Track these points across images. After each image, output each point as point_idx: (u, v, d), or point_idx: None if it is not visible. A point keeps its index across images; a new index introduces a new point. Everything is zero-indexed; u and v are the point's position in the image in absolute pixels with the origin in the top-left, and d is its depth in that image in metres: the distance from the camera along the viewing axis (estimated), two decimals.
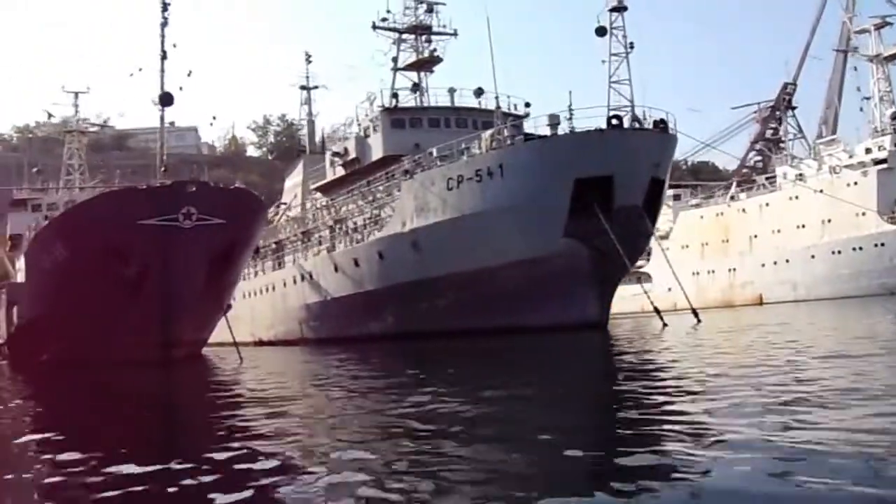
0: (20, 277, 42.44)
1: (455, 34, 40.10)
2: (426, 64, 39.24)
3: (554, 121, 27.05)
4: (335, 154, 38.09)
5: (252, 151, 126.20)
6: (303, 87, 51.87)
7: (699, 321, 26.40)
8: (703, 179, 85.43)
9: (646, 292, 28.14)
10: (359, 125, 37.39)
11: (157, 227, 22.27)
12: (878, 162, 49.03)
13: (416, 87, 37.85)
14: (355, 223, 36.29)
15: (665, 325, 25.37)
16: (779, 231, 54.78)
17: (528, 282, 27.47)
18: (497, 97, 30.42)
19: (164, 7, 25.38)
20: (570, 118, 27.63)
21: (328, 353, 23.57)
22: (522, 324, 26.62)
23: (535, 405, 8.00)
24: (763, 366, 9.73)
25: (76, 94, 48.22)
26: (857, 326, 18.55)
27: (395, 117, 35.55)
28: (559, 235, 26.99)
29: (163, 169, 25.59)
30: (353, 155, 36.93)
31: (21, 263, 42.95)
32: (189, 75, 26.74)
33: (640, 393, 8.07)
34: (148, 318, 23.24)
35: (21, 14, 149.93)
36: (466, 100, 37.59)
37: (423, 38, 39.57)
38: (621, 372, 11.52)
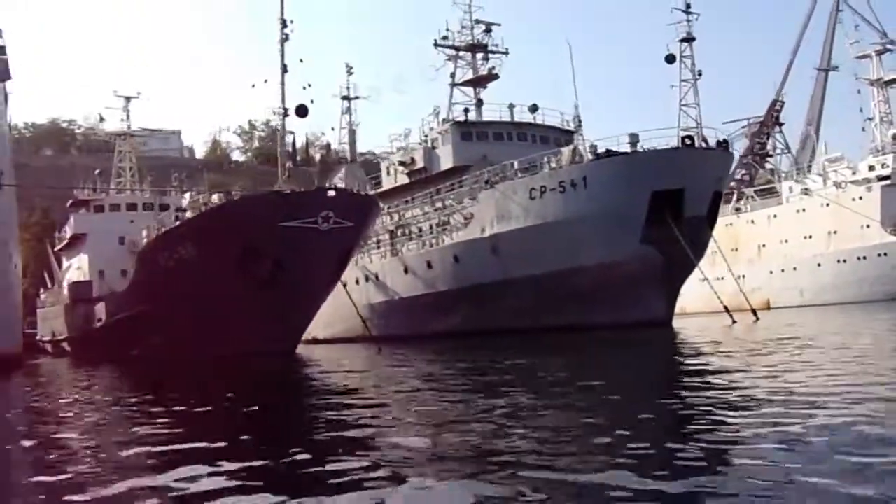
0: (76, 276, 44.10)
1: (507, 52, 42.98)
2: (484, 80, 42.04)
3: (634, 139, 30.01)
4: (401, 163, 40.58)
5: (237, 156, 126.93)
6: (344, 98, 54.06)
7: (757, 319, 29.72)
8: None
9: (715, 292, 31.17)
10: (425, 136, 39.98)
11: (297, 228, 24.59)
12: (881, 178, 53.04)
13: (480, 103, 40.60)
14: (420, 228, 38.84)
15: (734, 321, 28.62)
16: (786, 241, 58.51)
17: (604, 283, 30.29)
18: (580, 118, 33.09)
19: (284, 24, 27.80)
20: (635, 142, 30.62)
21: (420, 349, 24.77)
22: (592, 322, 29.36)
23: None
24: None
25: (127, 98, 50.04)
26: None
27: (465, 130, 38.29)
28: (637, 242, 29.92)
29: (286, 176, 27.86)
30: (420, 164, 39.52)
31: (78, 261, 44.63)
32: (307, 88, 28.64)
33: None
34: (278, 312, 25.49)
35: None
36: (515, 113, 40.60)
37: (480, 55, 42.31)
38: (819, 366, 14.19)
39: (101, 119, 53.95)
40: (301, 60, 27.39)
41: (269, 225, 24.39)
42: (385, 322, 40.15)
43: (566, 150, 31.61)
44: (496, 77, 41.91)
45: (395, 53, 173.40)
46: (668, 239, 29.63)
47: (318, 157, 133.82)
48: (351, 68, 54.48)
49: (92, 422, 9.36)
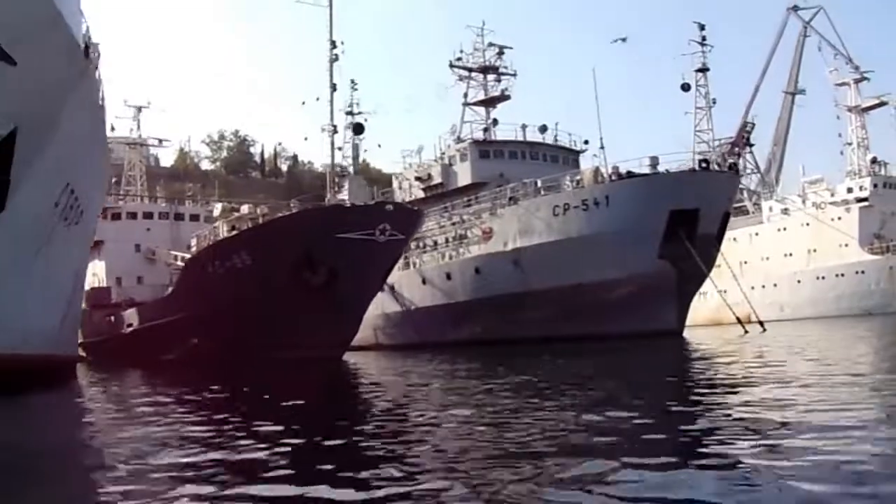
0: (93, 282, 44.69)
1: (515, 74, 45.02)
2: (496, 101, 43.99)
3: (654, 162, 32.15)
4: (417, 178, 42.24)
5: (206, 165, 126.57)
6: (348, 113, 55.45)
7: (764, 330, 32.00)
8: None
9: (729, 306, 33.40)
10: (442, 154, 41.75)
11: (356, 240, 26.04)
12: (860, 200, 56.27)
13: (495, 122, 42.50)
14: (435, 241, 40.48)
15: (746, 331, 30.85)
16: (767, 258, 61.42)
17: (622, 295, 32.30)
18: (602, 141, 35.15)
19: (333, 45, 29.41)
20: (655, 164, 32.83)
21: (440, 358, 24.39)
22: (607, 331, 31.25)
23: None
24: None
25: (139, 108, 50.94)
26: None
27: (483, 149, 40.20)
28: (654, 257, 31.98)
29: (335, 189, 29.34)
30: (437, 180, 41.23)
31: (94, 267, 45.21)
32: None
33: None
34: (329, 318, 26.87)
35: None
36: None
37: (492, 77, 44.27)
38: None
39: (112, 128, 54.46)
40: (353, 81, 29.10)
41: (327, 235, 25.74)
42: (399, 331, 41.67)
43: (588, 171, 33.65)
44: (508, 98, 43.91)
45: (405, 73, 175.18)
46: (683, 255, 31.77)
47: (284, 167, 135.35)
48: (355, 84, 56.14)
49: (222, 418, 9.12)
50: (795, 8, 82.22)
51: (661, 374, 14.42)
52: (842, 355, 15.36)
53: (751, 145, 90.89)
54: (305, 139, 71.41)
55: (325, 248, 26.25)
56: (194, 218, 46.04)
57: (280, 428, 7.50)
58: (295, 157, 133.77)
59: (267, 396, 12.87)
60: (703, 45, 33.78)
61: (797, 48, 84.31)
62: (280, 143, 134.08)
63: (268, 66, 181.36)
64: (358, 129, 27.98)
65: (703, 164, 32.46)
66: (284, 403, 10.69)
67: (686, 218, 31.68)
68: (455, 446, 5.92)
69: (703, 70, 33.91)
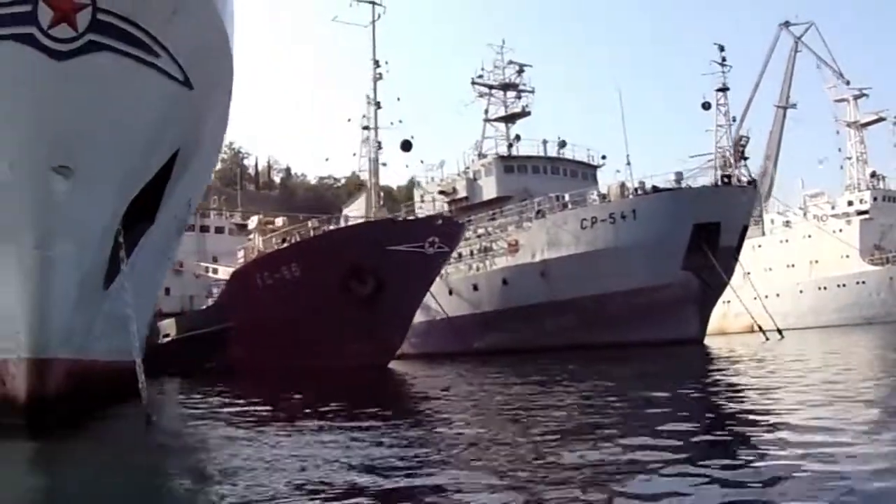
0: None
1: (533, 91, 46.62)
2: (517, 117, 45.53)
3: (679, 177, 33.75)
4: (441, 192, 43.63)
5: None
6: (365, 128, 56.84)
7: (782, 337, 33.67)
8: None
9: (751, 315, 35.00)
10: (467, 168, 43.21)
11: (405, 252, 27.30)
12: (860, 212, 58.25)
13: (518, 138, 44.06)
14: (459, 253, 41.77)
15: (767, 339, 32.48)
16: (770, 269, 63.17)
17: (647, 304, 33.72)
18: (629, 157, 36.59)
19: (376, 64, 30.85)
20: (679, 179, 34.45)
21: (477, 365, 27.11)
22: (629, 339, 32.65)
23: None
24: None
25: None
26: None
27: (507, 164, 41.73)
28: (678, 268, 33.49)
29: (381, 203, 30.64)
30: (462, 194, 42.66)
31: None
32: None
33: None
34: (378, 328, 28.04)
35: None
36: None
37: (512, 94, 45.86)
38: None
39: None
40: (398, 98, 30.55)
41: (377, 248, 26.95)
42: (423, 340, 42.83)
43: (614, 186, 35.17)
44: (528, 114, 45.48)
45: (422, 89, 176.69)
46: (705, 266, 33.32)
47: (278, 179, 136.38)
48: (374, 100, 57.60)
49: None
50: (787, 24, 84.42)
51: (750, 382, 13.23)
52: None
53: (745, 159, 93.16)
54: (327, 160, 72.65)
55: (375, 260, 27.42)
56: (219, 230, 47.12)
57: (420, 432, 8.12)
58: (288, 170, 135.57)
59: (345, 404, 12.89)
60: (722, 65, 35.56)
61: (789, 63, 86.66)
62: (271, 156, 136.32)
63: (263, 77, 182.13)
64: (406, 146, 29.32)
65: (725, 180, 34.05)
66: (383, 410, 11.26)
67: (709, 231, 33.25)
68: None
69: (723, 90, 35.62)
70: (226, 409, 13.39)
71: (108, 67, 9.25)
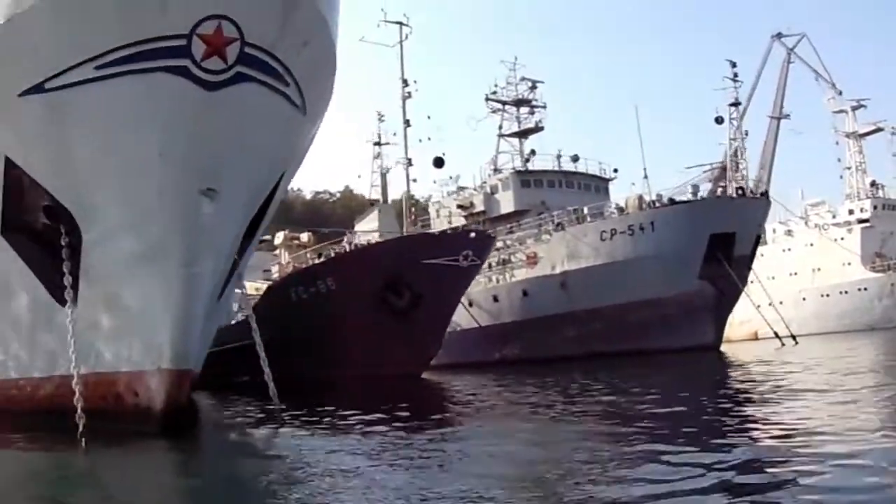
0: None
1: (545, 106, 47.97)
2: (530, 132, 46.85)
3: (695, 189, 35.10)
4: (459, 206, 44.79)
5: None
6: (376, 143, 58.07)
7: (796, 343, 34.89)
8: None
9: (767, 321, 36.28)
10: (484, 183, 44.46)
11: (441, 265, 28.39)
12: (861, 221, 59.82)
13: (533, 153, 45.29)
14: None
15: (783, 344, 33.69)
16: (773, 278, 64.48)
17: (665, 313, 34.92)
18: (646, 171, 38.19)
19: (405, 83, 32.08)
20: (696, 191, 35.80)
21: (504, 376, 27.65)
22: (646, 347, 33.72)
23: None
24: None
25: None
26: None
27: (524, 178, 42.99)
28: (695, 278, 34.74)
29: (412, 219, 31.80)
30: (479, 208, 43.87)
31: None
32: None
33: None
34: (415, 339, 29.00)
35: None
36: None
37: (525, 109, 47.18)
38: None
39: None
40: (429, 117, 31.75)
41: (414, 261, 28.02)
42: (445, 351, 43.82)
43: (632, 198, 36.44)
44: (542, 129, 46.80)
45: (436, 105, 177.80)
46: (721, 275, 34.60)
47: None
48: (382, 116, 58.84)
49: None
50: (779, 35, 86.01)
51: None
52: None
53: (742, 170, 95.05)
54: (359, 177, 73.29)
55: (412, 274, 28.51)
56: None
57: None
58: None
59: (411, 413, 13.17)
60: (734, 80, 37.02)
61: (781, 74, 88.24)
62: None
63: None
64: (438, 162, 30.52)
65: (740, 191, 35.41)
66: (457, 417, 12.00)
67: (724, 241, 34.54)
68: None
69: (736, 104, 37.07)
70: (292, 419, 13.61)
71: (251, 96, 10.04)
